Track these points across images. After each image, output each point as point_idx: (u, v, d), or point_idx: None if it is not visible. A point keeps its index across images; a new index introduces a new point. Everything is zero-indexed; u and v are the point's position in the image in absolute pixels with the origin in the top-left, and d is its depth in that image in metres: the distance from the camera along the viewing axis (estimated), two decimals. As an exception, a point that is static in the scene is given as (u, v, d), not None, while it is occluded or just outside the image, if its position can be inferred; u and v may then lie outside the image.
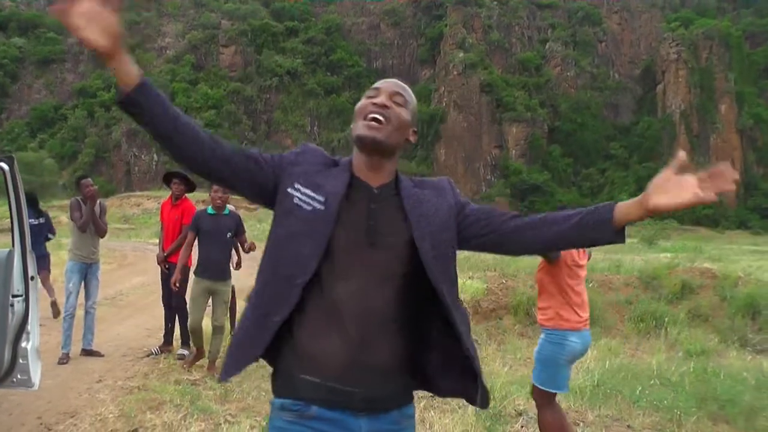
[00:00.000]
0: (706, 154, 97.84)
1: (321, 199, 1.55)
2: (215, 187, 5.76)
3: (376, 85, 1.70)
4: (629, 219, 1.56)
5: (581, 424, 4.70)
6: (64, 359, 6.12)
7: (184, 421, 4.41)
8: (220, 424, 4.39)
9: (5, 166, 3.54)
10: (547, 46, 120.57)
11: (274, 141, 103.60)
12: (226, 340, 6.02)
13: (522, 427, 4.59)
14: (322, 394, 1.50)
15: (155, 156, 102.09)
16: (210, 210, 5.81)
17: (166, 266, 6.51)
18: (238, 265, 6.73)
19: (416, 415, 4.44)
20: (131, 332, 7.68)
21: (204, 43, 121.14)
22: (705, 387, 6.18)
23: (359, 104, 1.66)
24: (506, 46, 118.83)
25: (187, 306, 6.11)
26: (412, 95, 1.71)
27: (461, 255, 1.76)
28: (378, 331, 1.53)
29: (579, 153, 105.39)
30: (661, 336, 10.55)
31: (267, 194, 1.63)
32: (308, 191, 1.56)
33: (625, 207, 1.57)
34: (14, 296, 3.52)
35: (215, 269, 5.76)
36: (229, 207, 5.95)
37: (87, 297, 6.50)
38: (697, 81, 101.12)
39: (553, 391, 3.69)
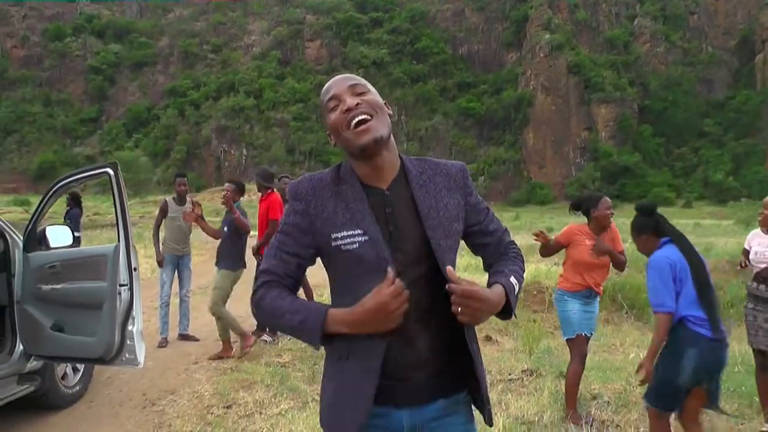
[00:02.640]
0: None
1: (359, 231, 1.55)
2: (228, 186, 6.40)
3: (328, 94, 1.64)
4: None
5: (655, 408, 4.71)
6: (163, 343, 6.69)
7: (274, 399, 4.78)
8: (308, 402, 4.71)
9: (111, 171, 4.00)
10: (635, 22, 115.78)
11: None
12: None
13: (596, 410, 4.65)
14: None
15: (244, 150, 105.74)
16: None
17: (260, 258, 6.88)
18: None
19: (494, 398, 4.61)
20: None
21: (289, 39, 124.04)
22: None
23: (331, 120, 1.61)
24: (593, 25, 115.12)
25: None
26: (362, 78, 1.69)
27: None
28: (414, 327, 1.55)
29: (671, 132, 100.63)
30: (754, 322, 10.13)
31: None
32: (344, 233, 1.56)
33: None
34: (121, 285, 3.98)
35: (217, 259, 6.39)
36: None
37: (180, 286, 7.05)
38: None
39: None
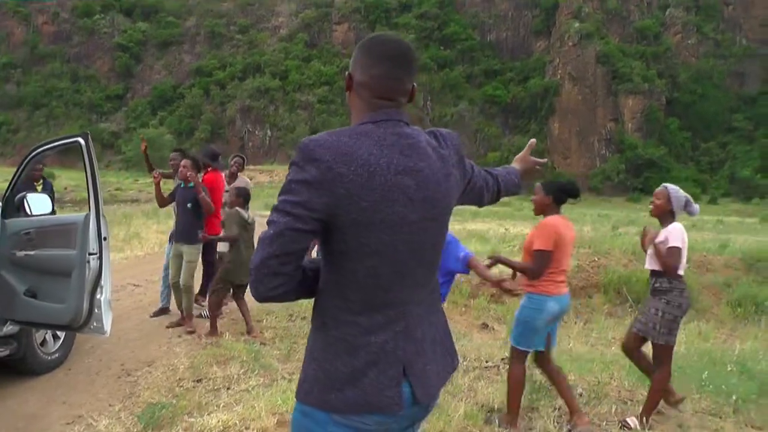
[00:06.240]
0: None
1: None
2: (184, 162, 6.26)
3: None
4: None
5: (629, 402, 4.65)
6: (159, 313, 6.81)
7: (245, 375, 4.80)
8: (277, 380, 4.73)
9: (82, 141, 4.02)
10: (667, 13, 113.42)
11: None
12: None
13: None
14: None
15: (268, 131, 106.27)
16: (182, 183, 6.33)
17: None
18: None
19: (465, 384, 4.57)
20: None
21: (317, 21, 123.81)
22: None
23: None
24: (624, 14, 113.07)
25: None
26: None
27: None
28: None
29: (698, 126, 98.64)
30: (761, 322, 9.96)
31: None
32: None
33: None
34: (90, 254, 4.02)
35: (180, 234, 6.28)
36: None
37: None
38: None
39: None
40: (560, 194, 4.01)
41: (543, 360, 4.13)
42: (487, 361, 5.47)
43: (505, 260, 4.09)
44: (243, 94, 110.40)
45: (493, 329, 9.04)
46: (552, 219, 3.90)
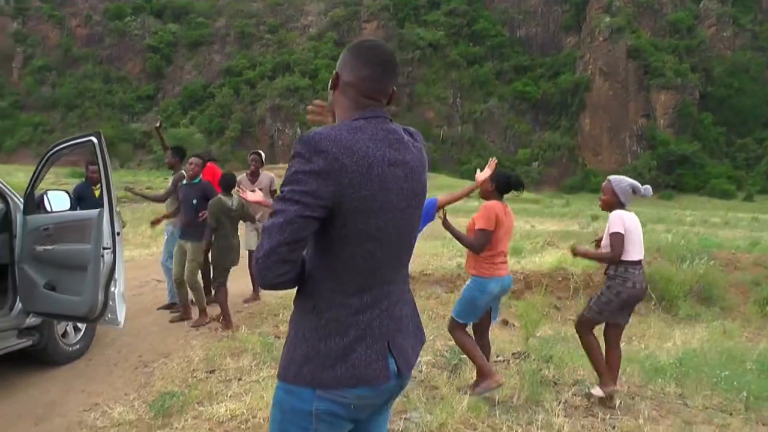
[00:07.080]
0: None
1: None
2: (194, 160, 6.52)
3: None
4: None
5: (637, 398, 4.63)
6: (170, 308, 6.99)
7: (256, 367, 4.91)
8: (287, 371, 4.82)
9: (95, 140, 4.17)
10: (701, 5, 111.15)
11: (416, 113, 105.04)
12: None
13: (573, 395, 4.59)
14: None
15: (298, 130, 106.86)
16: (185, 180, 6.60)
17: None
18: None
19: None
20: (236, 289, 8.38)
21: (346, 20, 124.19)
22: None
23: None
24: (656, 7, 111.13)
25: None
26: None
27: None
28: None
29: (734, 121, 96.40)
30: (791, 321, 9.77)
31: None
32: None
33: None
34: (104, 248, 4.16)
35: (184, 231, 6.46)
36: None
37: None
38: None
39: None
40: (502, 184, 4.39)
41: (482, 331, 4.66)
42: (498, 356, 5.49)
43: (453, 230, 4.36)
44: (273, 93, 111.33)
45: (514, 326, 9.02)
46: (493, 203, 4.28)
